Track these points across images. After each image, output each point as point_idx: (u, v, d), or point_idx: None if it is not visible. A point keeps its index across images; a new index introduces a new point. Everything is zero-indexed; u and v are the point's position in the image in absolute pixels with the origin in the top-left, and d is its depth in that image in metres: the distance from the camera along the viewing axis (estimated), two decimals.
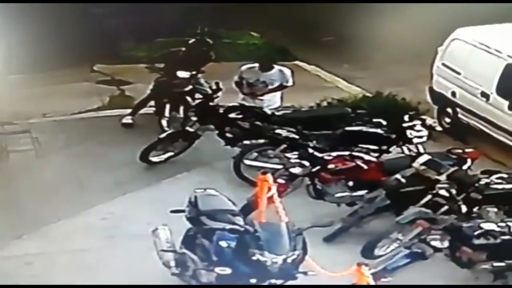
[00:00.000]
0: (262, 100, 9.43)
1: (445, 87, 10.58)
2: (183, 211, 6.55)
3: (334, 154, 8.00)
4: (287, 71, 9.61)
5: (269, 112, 9.13)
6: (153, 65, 10.25)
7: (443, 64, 10.67)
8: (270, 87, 9.47)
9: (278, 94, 9.58)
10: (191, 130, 9.15)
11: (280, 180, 7.73)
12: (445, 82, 10.58)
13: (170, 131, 9.22)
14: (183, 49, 10.17)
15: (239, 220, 6.40)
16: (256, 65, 9.58)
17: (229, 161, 8.79)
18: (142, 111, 10.35)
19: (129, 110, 10.55)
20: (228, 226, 6.11)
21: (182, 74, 9.79)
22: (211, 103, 9.21)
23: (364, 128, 8.75)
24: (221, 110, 9.11)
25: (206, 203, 6.48)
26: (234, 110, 9.08)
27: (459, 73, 10.38)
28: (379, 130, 8.74)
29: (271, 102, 9.46)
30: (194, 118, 9.14)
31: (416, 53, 12.38)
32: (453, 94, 10.45)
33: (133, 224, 7.73)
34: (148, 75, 10.80)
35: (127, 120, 10.18)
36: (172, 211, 6.60)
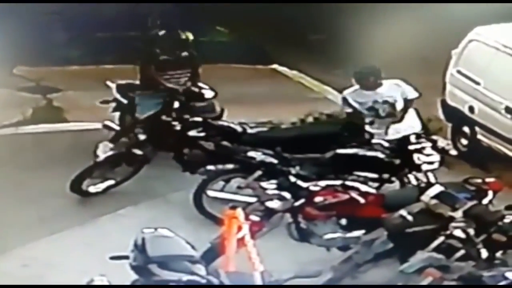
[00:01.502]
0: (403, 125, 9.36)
1: (461, 101, 10.68)
2: (126, 257, 6.44)
3: (323, 183, 8.00)
4: (400, 82, 9.56)
5: (239, 129, 9.16)
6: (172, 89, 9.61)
7: (458, 72, 10.78)
8: (398, 106, 9.41)
9: (413, 114, 9.52)
10: (138, 152, 9.10)
11: (254, 217, 7.70)
12: (461, 94, 10.69)
13: (110, 153, 9.18)
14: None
15: (200, 269, 6.28)
16: (356, 87, 9.46)
17: (187, 192, 8.76)
18: (71, 126, 10.23)
19: (57, 126, 10.46)
20: (186, 277, 6.06)
21: (208, 93, 9.65)
22: (164, 117, 9.16)
23: (360, 151, 8.79)
24: (178, 127, 9.09)
25: (157, 247, 6.37)
26: (195, 127, 9.09)
27: (478, 83, 10.49)
28: (379, 154, 8.79)
29: (413, 124, 9.40)
30: (142, 137, 9.11)
31: (424, 57, 12.50)
32: (471, 109, 10.55)
33: (62, 273, 7.68)
34: (82, 80, 10.74)
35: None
36: (112, 258, 6.52)
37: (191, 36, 10.04)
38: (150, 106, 9.64)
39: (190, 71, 10.00)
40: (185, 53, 10.02)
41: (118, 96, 9.95)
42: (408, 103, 9.51)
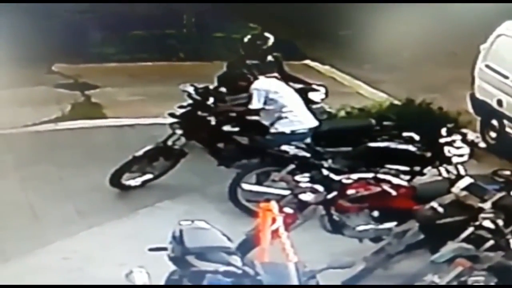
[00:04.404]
0: None
1: (489, 94, 10.65)
2: (164, 249, 6.52)
3: (355, 176, 7.99)
4: None
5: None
6: None
7: (487, 66, 10.74)
8: None
9: None
10: (175, 146, 9.16)
11: (288, 210, 7.71)
12: (490, 88, 10.66)
13: (148, 148, 9.23)
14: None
15: (236, 260, 6.35)
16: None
17: (223, 186, 8.81)
18: (110, 122, 10.27)
19: (96, 121, 10.55)
20: (222, 268, 6.10)
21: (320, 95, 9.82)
22: (200, 113, 9.20)
23: (391, 144, 8.81)
24: (213, 122, 9.13)
25: (194, 238, 6.44)
26: (229, 122, 9.10)
27: (506, 77, 10.45)
28: (410, 147, 8.80)
29: None
30: (178, 132, 9.15)
31: (452, 51, 12.44)
32: (499, 102, 10.52)
33: (102, 266, 7.73)
34: (119, 77, 10.79)
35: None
36: (151, 249, 6.58)
37: (271, 39, 9.95)
38: None
39: (278, 74, 9.81)
40: (270, 57, 9.92)
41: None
42: None
